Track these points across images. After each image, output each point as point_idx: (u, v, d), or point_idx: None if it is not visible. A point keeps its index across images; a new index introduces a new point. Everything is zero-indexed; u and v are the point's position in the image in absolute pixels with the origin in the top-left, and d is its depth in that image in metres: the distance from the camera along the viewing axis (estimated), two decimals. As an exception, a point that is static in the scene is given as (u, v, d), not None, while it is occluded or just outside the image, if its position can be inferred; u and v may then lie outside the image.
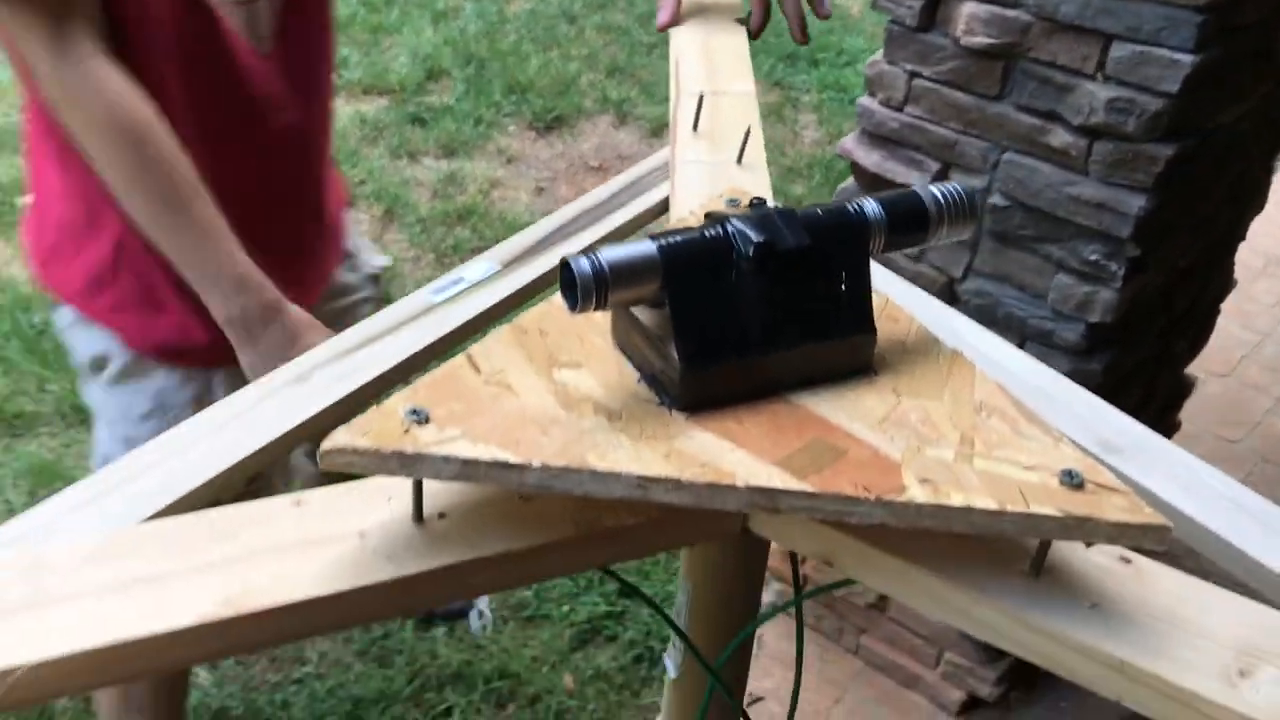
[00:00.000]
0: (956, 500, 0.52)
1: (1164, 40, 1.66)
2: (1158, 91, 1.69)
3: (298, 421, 0.66)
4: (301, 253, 1.55)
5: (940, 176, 1.95)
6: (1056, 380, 0.74)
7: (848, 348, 0.59)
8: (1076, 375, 1.95)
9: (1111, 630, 0.53)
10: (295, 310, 1.28)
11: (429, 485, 0.58)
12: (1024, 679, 2.32)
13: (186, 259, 1.25)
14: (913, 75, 1.94)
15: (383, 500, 0.58)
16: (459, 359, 0.59)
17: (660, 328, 0.57)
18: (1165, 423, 2.53)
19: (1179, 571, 0.57)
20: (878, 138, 2.01)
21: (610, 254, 0.54)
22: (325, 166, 1.58)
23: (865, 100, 2.02)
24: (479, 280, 0.82)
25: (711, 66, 1.16)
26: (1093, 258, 1.83)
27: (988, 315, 1.98)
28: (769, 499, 0.53)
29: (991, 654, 2.25)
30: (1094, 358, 1.93)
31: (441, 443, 0.53)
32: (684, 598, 0.72)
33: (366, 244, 1.80)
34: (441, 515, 0.58)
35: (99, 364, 1.46)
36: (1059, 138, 1.81)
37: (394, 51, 4.71)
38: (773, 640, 2.45)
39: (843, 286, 0.58)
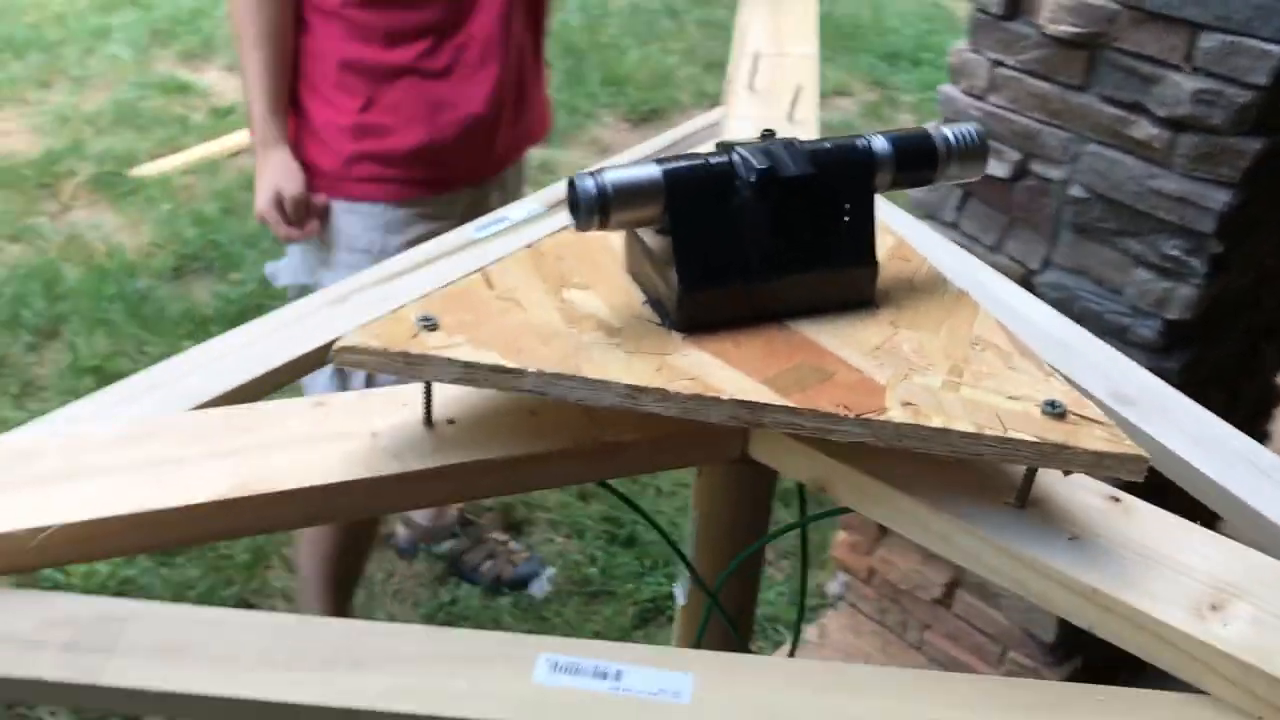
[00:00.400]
0: (935, 422, 0.54)
1: (1255, 30, 1.62)
2: (1246, 83, 1.65)
3: (328, 339, 0.70)
4: (477, 132, 1.79)
5: (1021, 166, 1.93)
6: (1079, 333, 0.74)
7: (848, 279, 0.61)
8: (1153, 373, 1.92)
9: (1088, 561, 0.54)
10: (276, 153, 1.71)
11: (442, 394, 0.61)
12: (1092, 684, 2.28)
13: (246, 95, 1.72)
14: (996, 63, 1.92)
15: (398, 406, 0.62)
16: (475, 275, 0.62)
17: (665, 252, 0.59)
18: (1253, 430, 2.46)
19: (1167, 512, 0.57)
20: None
21: (614, 175, 0.57)
22: (513, 65, 1.83)
23: (947, 88, 2.00)
24: (522, 220, 0.85)
25: (776, 28, 1.18)
26: (1173, 253, 1.80)
27: (1064, 308, 1.93)
28: (752, 412, 0.55)
29: (1058, 655, 2.22)
30: (1172, 355, 1.89)
31: (447, 347, 0.56)
32: (692, 526, 0.74)
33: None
34: (450, 421, 0.61)
35: None
36: (1143, 129, 1.77)
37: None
38: (836, 631, 2.45)
39: (845, 218, 0.60)
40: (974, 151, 0.62)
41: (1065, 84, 1.85)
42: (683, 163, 0.58)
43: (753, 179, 0.57)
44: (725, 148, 0.59)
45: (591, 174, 0.57)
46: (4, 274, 3.17)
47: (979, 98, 1.96)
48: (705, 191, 0.58)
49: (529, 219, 0.86)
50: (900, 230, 0.72)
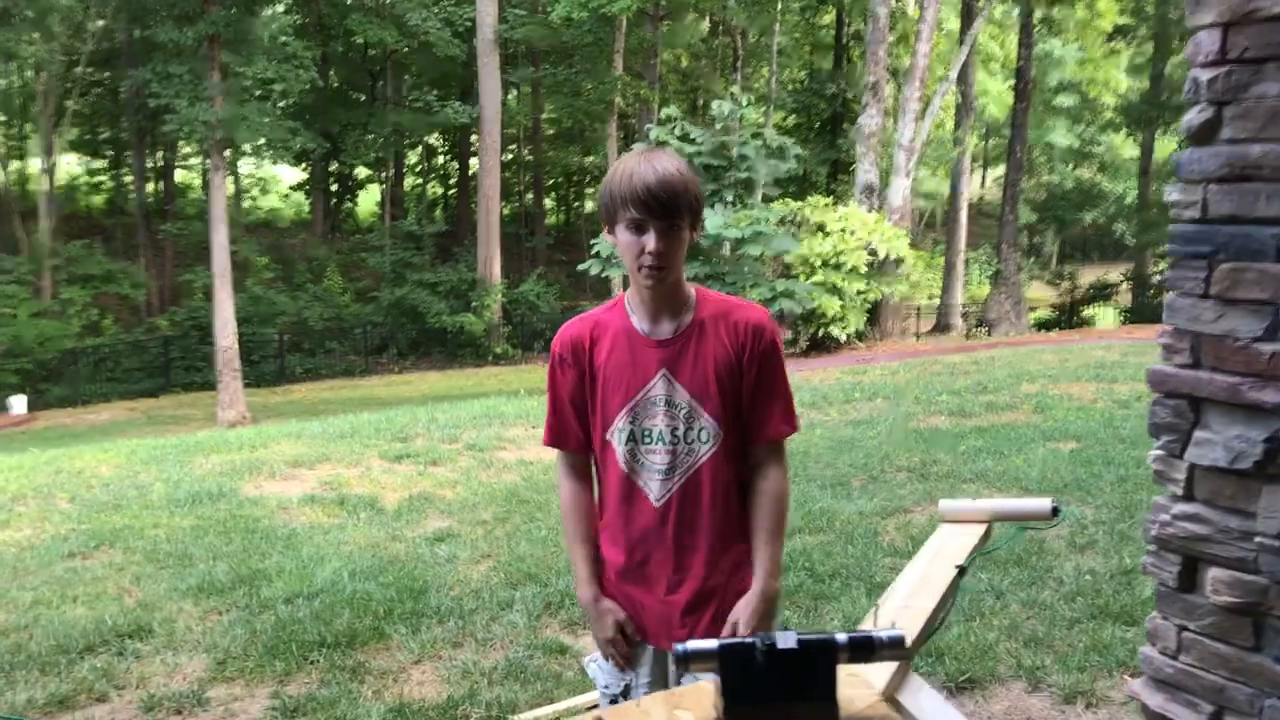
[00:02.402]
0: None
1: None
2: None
3: None
4: (645, 606, 2.51)
5: (1215, 717, 2.21)
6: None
7: (820, 709, 1.11)
8: None
9: None
10: (593, 603, 2.54)
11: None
12: None
13: (572, 567, 2.59)
14: (1181, 628, 2.28)
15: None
16: (632, 702, 1.19)
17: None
18: None
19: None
20: (1159, 681, 2.33)
21: (693, 646, 1.14)
22: (690, 571, 2.43)
23: (1146, 649, 2.36)
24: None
25: (913, 587, 1.72)
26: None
27: None
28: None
29: None
30: None
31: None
32: None
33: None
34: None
35: None
36: (1315, 688, 2.05)
37: (828, 616, 5.40)
38: None
39: (818, 676, 1.12)
40: (896, 645, 1.14)
41: (1239, 645, 2.17)
42: (731, 641, 1.14)
43: (763, 650, 1.12)
44: (757, 635, 1.15)
45: (683, 644, 1.14)
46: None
47: (1172, 657, 2.30)
48: (737, 654, 1.13)
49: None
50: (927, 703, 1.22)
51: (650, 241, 2.32)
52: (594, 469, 2.62)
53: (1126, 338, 18.65)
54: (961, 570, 1.74)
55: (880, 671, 1.37)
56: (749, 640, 1.14)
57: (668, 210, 2.31)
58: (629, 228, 2.35)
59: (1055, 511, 1.75)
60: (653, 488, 2.46)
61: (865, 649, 1.14)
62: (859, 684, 1.21)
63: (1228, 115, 2.10)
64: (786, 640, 1.13)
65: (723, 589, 2.43)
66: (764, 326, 2.48)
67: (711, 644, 1.14)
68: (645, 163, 2.34)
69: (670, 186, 2.30)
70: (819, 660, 1.12)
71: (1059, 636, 5.13)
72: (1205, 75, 2.14)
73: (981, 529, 1.91)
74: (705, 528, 2.44)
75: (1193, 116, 2.18)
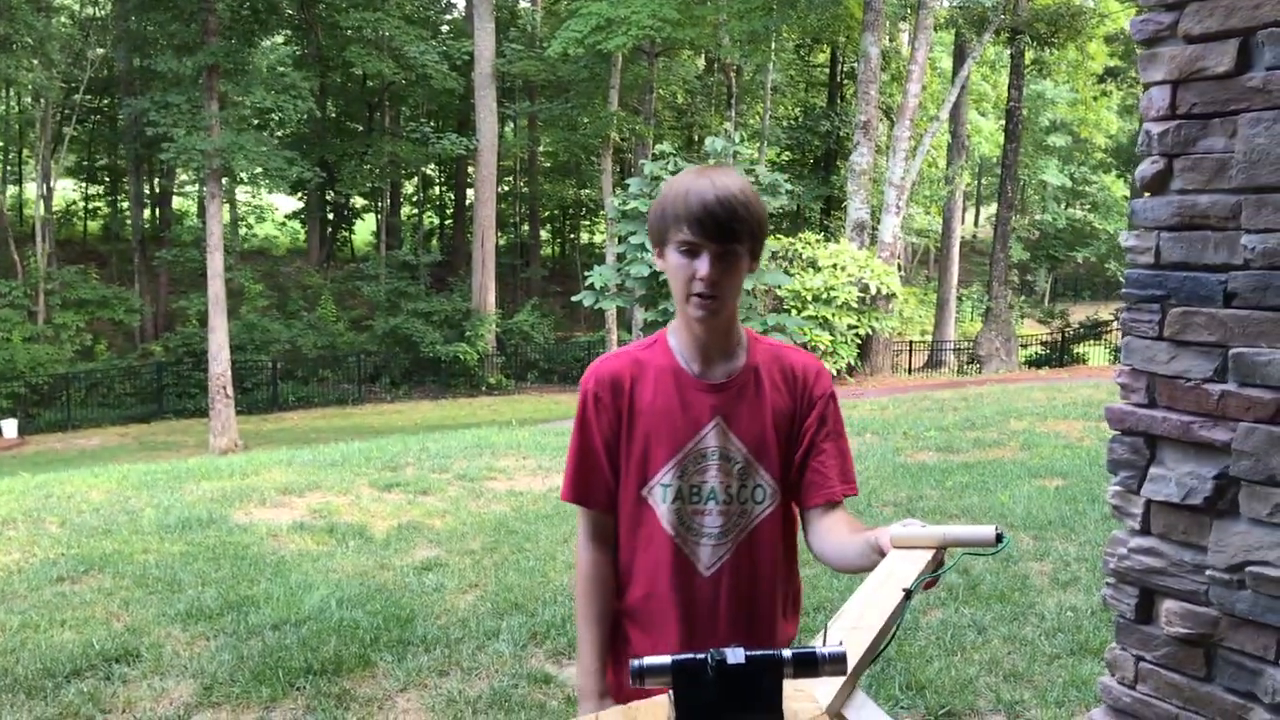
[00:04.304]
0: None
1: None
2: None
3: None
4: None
5: (1169, 747, 2.29)
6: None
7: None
8: None
9: None
10: (596, 699, 2.20)
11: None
12: None
13: (578, 649, 2.28)
14: (1138, 659, 2.37)
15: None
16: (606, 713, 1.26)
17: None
18: None
19: None
20: (1117, 710, 2.41)
21: (649, 661, 1.22)
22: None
23: (1105, 679, 2.45)
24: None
25: (863, 609, 1.78)
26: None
27: None
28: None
29: None
30: None
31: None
32: None
33: None
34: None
35: None
36: (1259, 717, 2.13)
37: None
38: None
39: (763, 690, 1.20)
40: (838, 661, 1.22)
41: (1192, 675, 2.26)
42: (684, 658, 1.23)
43: (713, 665, 1.20)
44: (709, 653, 1.23)
45: (638, 659, 1.22)
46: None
47: (1129, 686, 2.39)
48: (690, 670, 1.21)
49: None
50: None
51: (702, 267, 2.05)
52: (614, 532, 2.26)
53: (1116, 376, 18.69)
54: (908, 594, 1.80)
55: (827, 688, 1.45)
56: (700, 656, 1.22)
57: (725, 233, 2.04)
58: (680, 250, 2.08)
59: (999, 538, 1.82)
60: (701, 555, 2.17)
61: (809, 664, 1.22)
62: (805, 698, 1.29)
63: (1178, 167, 2.21)
64: (735, 656, 1.21)
65: None
66: (822, 372, 2.24)
67: (665, 660, 1.22)
68: (705, 179, 2.08)
69: (729, 206, 2.03)
70: (766, 675, 1.21)
71: (1039, 672, 5.19)
72: (1156, 129, 2.25)
73: (930, 554, 1.98)
74: (762, 597, 2.20)
75: (1145, 168, 2.29)
